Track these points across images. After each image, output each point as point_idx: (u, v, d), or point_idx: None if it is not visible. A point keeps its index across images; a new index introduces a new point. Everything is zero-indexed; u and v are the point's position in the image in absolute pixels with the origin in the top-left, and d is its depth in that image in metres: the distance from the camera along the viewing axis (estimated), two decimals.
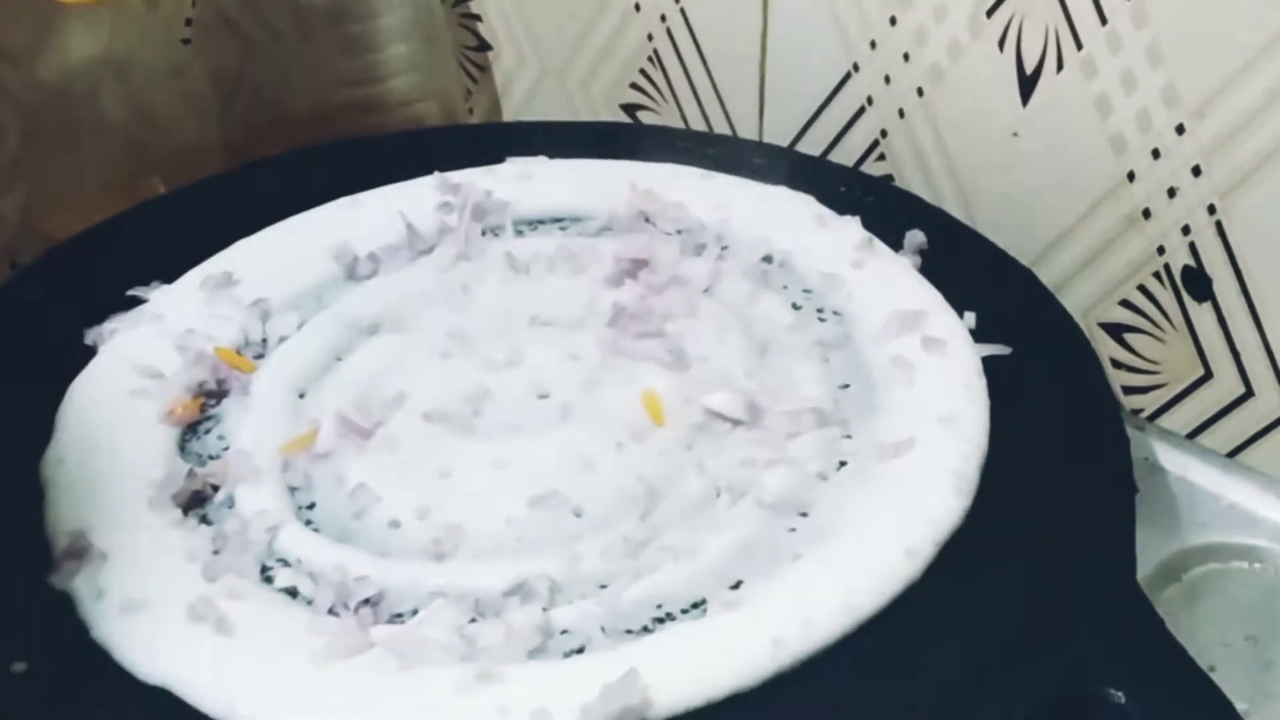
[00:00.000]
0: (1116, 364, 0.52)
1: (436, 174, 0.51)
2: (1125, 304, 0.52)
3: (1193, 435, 0.51)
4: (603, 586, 0.38)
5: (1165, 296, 0.50)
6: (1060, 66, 0.49)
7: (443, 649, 0.36)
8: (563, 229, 0.51)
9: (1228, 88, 0.45)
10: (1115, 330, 0.52)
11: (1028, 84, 0.51)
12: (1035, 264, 0.51)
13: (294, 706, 0.35)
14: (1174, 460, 0.47)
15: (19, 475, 0.41)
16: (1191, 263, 0.49)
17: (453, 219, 0.50)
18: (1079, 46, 0.49)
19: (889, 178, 0.56)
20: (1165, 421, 0.51)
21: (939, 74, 0.53)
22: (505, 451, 0.41)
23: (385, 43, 0.64)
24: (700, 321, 0.46)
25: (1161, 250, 0.50)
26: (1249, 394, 0.49)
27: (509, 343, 0.45)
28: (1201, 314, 0.50)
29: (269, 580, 0.38)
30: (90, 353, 0.44)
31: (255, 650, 0.36)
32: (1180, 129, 0.47)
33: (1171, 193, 0.48)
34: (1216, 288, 0.49)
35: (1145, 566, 0.39)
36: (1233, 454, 0.49)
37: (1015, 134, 0.52)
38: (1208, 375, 0.50)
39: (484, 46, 0.68)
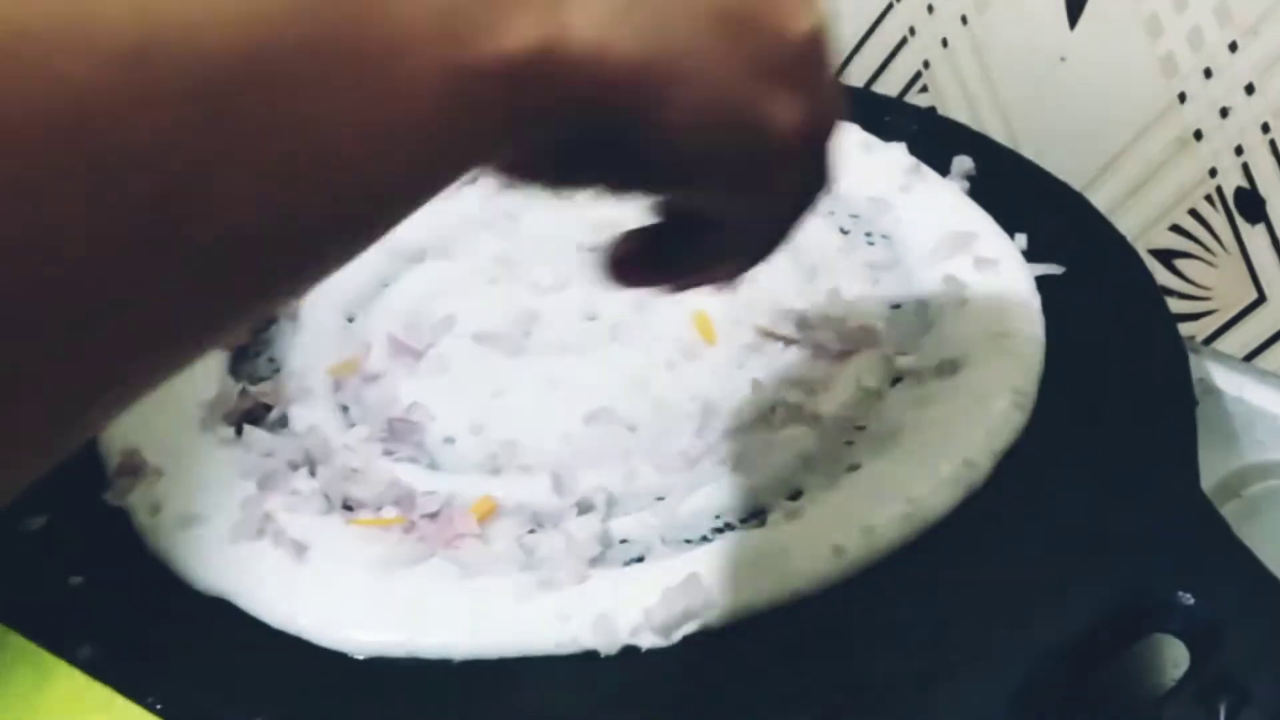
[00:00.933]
0: (1167, 291, 0.51)
1: None
2: (1176, 229, 0.51)
3: (1248, 359, 0.50)
4: (660, 499, 0.38)
5: (1217, 220, 0.50)
6: None
7: (503, 558, 0.35)
8: None
9: None
10: (1166, 256, 0.52)
11: (1075, 7, 0.50)
12: (1083, 191, 0.51)
13: (355, 615, 0.34)
14: (1230, 381, 0.47)
15: None
16: (1245, 184, 0.48)
17: None
18: None
19: (932, 109, 0.56)
20: (1219, 346, 0.51)
21: (984, 2, 0.53)
22: (557, 371, 0.41)
23: None
24: None
25: (1214, 172, 0.49)
26: None
27: (556, 267, 0.44)
28: (1254, 236, 0.49)
29: (325, 495, 0.38)
30: None
31: (314, 561, 0.36)
32: (1233, 46, 0.46)
33: (1224, 113, 0.48)
34: (1270, 209, 0.48)
35: (1205, 485, 0.38)
36: None
37: (1062, 59, 0.51)
38: (1261, 299, 0.50)
39: None
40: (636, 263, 0.29)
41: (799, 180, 0.28)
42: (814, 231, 0.46)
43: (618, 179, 0.25)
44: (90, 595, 0.35)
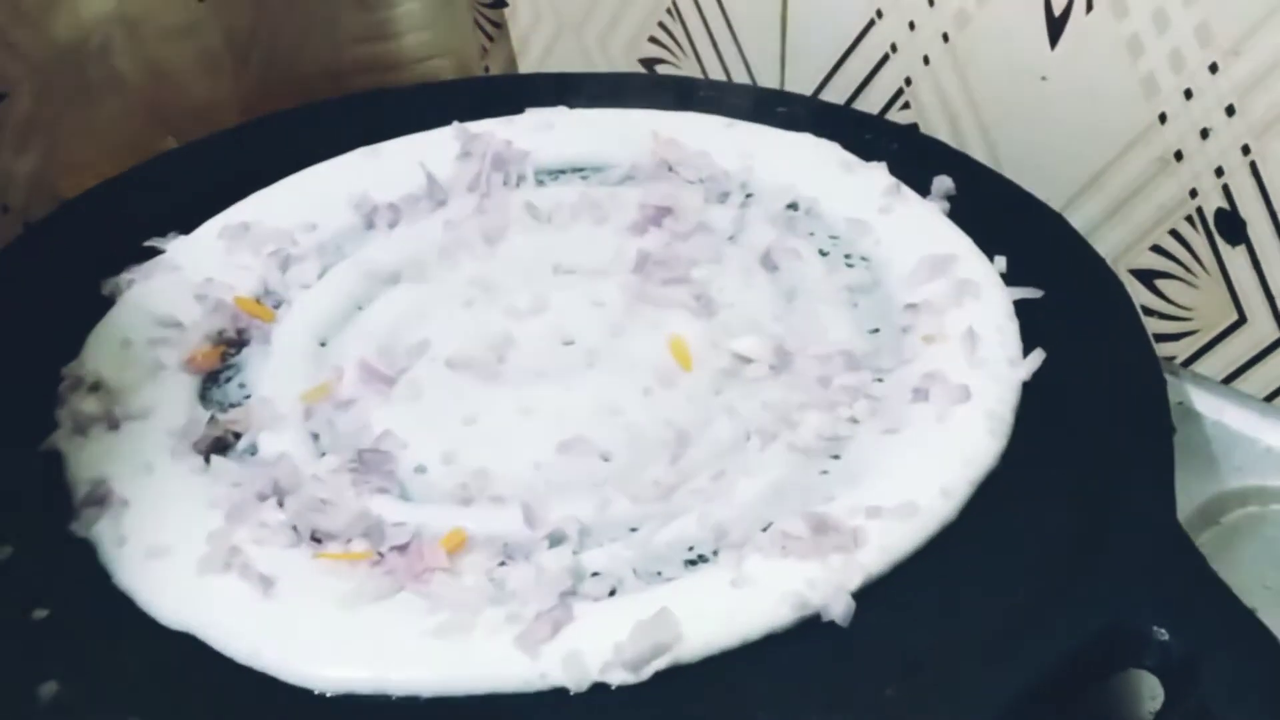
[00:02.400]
0: (1148, 311, 0.51)
1: (456, 124, 0.50)
2: (1156, 249, 0.51)
3: (1227, 381, 0.50)
4: (633, 530, 0.37)
5: (1198, 241, 0.49)
6: (1090, 7, 0.49)
7: (472, 592, 0.35)
8: (584, 178, 0.51)
9: (1263, 24, 0.44)
10: (1146, 276, 0.51)
11: (1056, 26, 0.50)
12: (1064, 211, 0.51)
13: (321, 651, 0.34)
14: (1209, 405, 0.47)
15: (39, 423, 0.40)
16: (1225, 205, 0.48)
17: (473, 169, 0.49)
18: None
19: (914, 126, 0.56)
20: (1198, 368, 0.50)
21: (965, 19, 0.52)
22: (531, 398, 0.41)
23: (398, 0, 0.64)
24: (726, 268, 0.46)
25: (1194, 193, 0.49)
26: None
27: (532, 290, 0.44)
28: (1235, 257, 0.49)
29: (293, 526, 0.37)
30: (108, 303, 0.44)
31: (281, 595, 0.35)
32: (1214, 68, 0.46)
33: (1205, 134, 0.47)
34: (1250, 230, 0.48)
35: (1183, 511, 0.38)
36: (1269, 399, 0.49)
37: (1043, 78, 0.51)
38: (1241, 320, 0.49)
39: (499, 3, 0.67)
40: None
41: None
42: (793, 253, 0.46)
43: None
44: (54, 629, 0.35)
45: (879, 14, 0.55)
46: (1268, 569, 0.43)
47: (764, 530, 0.37)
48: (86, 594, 0.36)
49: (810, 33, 0.57)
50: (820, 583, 0.35)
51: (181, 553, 0.36)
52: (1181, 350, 0.51)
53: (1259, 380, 0.49)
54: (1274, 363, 0.49)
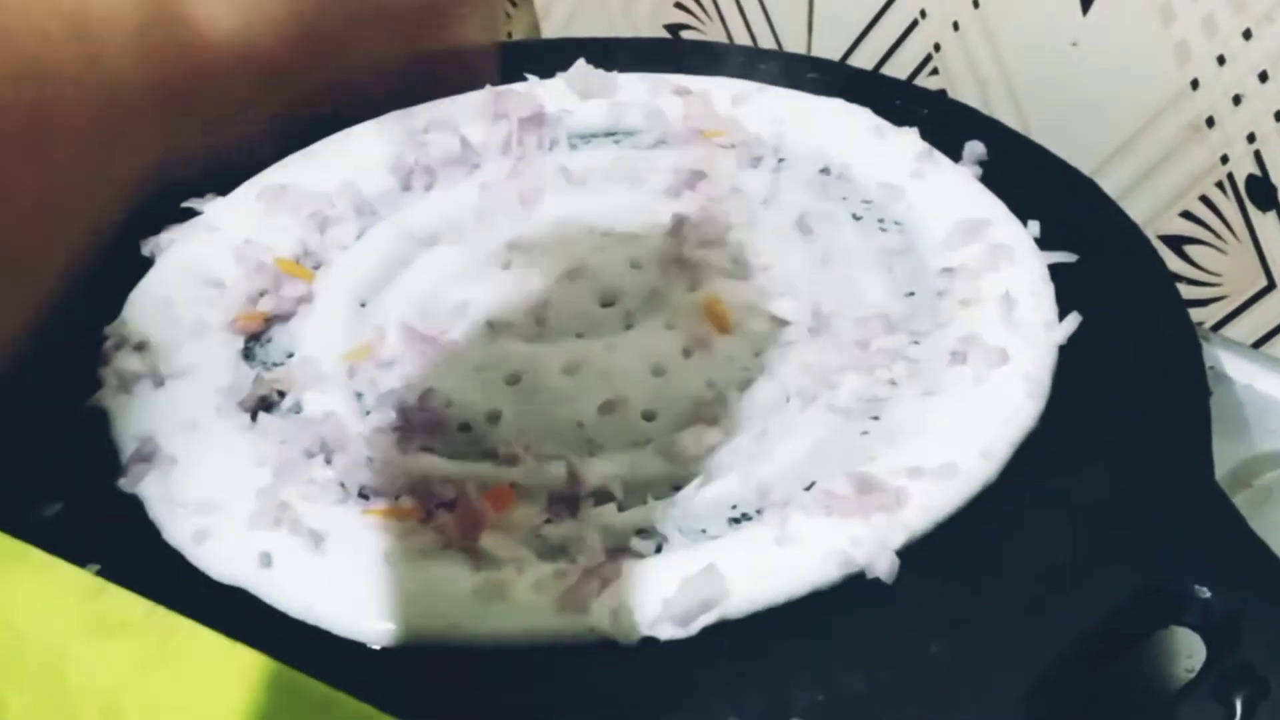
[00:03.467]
0: (1177, 277, 0.51)
1: (488, 88, 0.50)
2: (1186, 215, 0.51)
3: (1256, 345, 0.50)
4: (676, 488, 0.38)
5: (1228, 206, 0.50)
6: None
7: (520, 549, 0.35)
8: (616, 142, 0.51)
9: None
10: (1176, 242, 0.52)
11: None
12: (1093, 176, 0.51)
13: (375, 604, 0.34)
14: (1240, 369, 0.47)
15: (83, 383, 0.40)
16: (1256, 171, 0.48)
17: (505, 132, 0.49)
18: None
19: (942, 92, 0.56)
20: (1227, 333, 0.51)
21: None
22: (572, 357, 0.41)
23: None
24: (760, 232, 0.46)
25: (1225, 159, 0.49)
26: None
27: (570, 252, 0.44)
28: (1265, 223, 0.49)
29: (340, 484, 0.37)
30: (148, 263, 0.44)
31: (331, 550, 0.35)
32: (1247, 34, 0.46)
33: (1236, 100, 0.48)
34: None
35: (1216, 474, 0.38)
36: None
37: (1074, 44, 0.51)
38: (1271, 285, 0.50)
39: None
40: None
41: None
42: (827, 218, 0.46)
43: None
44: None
45: None
46: None
47: (806, 489, 0.37)
48: (136, 550, 0.36)
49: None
50: (864, 540, 0.35)
51: (231, 509, 0.36)
52: (1210, 316, 0.51)
53: None
54: None
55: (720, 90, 0.52)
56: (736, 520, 0.37)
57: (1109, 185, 0.51)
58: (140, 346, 0.40)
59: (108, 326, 0.41)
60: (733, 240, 0.45)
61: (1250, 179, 0.49)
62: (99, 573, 0.35)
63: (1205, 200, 0.50)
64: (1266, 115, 0.47)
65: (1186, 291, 0.51)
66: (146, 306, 0.42)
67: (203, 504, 0.36)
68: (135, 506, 0.37)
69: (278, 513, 0.36)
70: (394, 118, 0.49)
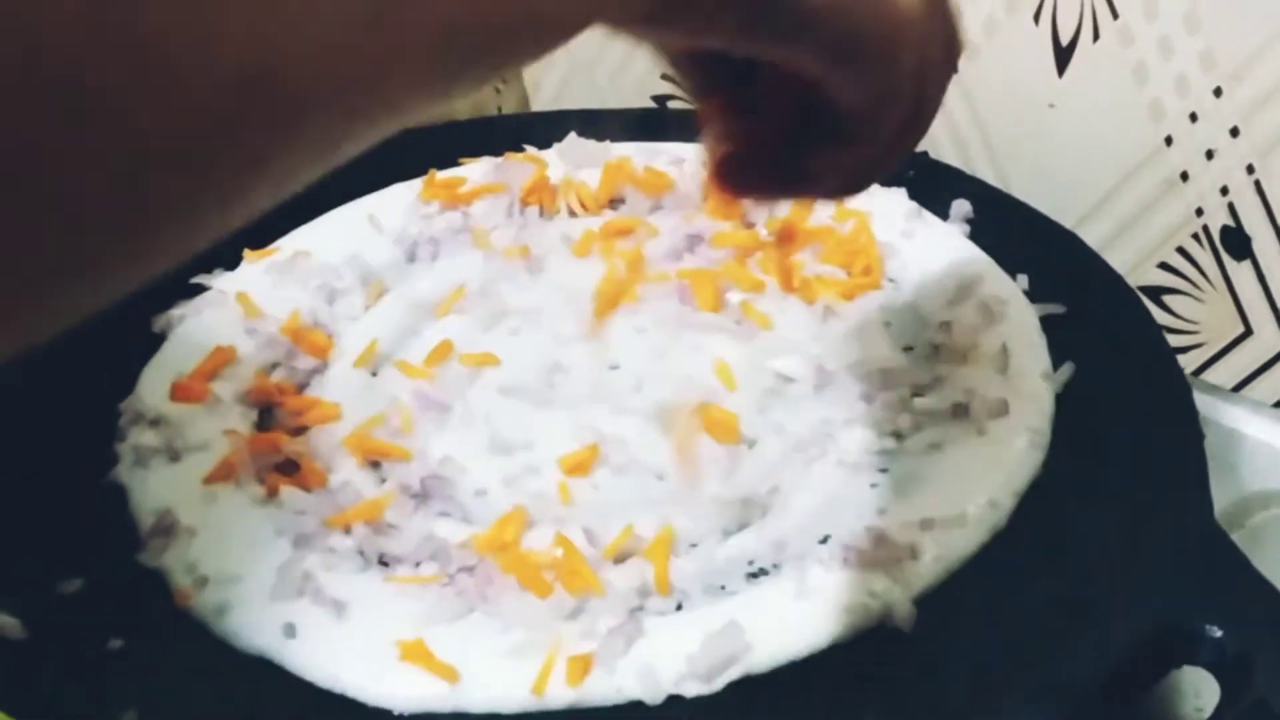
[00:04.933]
0: None
1: (487, 158, 0.51)
2: (1164, 266, 0.53)
3: (1236, 389, 0.51)
4: (693, 545, 0.38)
5: (1204, 257, 0.51)
6: (1096, 36, 0.51)
7: (544, 611, 0.36)
8: (614, 209, 0.52)
9: (1265, 49, 0.46)
10: (1154, 293, 0.53)
11: (1064, 55, 0.52)
12: (1074, 231, 0.52)
13: (398, 672, 0.35)
14: (1224, 413, 0.48)
15: (99, 459, 0.40)
16: (1230, 222, 0.50)
17: (506, 202, 0.50)
18: (1115, 16, 0.50)
19: (924, 154, 0.57)
20: (1207, 378, 0.52)
21: (974, 50, 0.54)
22: (584, 421, 0.41)
23: None
24: (762, 292, 0.47)
25: (1200, 212, 0.51)
26: None
27: (576, 317, 0.45)
28: (1241, 272, 0.51)
29: (359, 552, 0.38)
30: (158, 340, 0.44)
31: (355, 618, 0.36)
32: (1218, 92, 0.48)
33: (1210, 155, 0.49)
34: (1256, 245, 0.50)
35: None
36: (1277, 405, 0.50)
37: (1051, 105, 0.53)
38: (1248, 332, 0.51)
39: None
40: (743, 170, 0.28)
41: (923, 59, 0.26)
42: (824, 276, 0.48)
43: (733, 20, 0.23)
44: (131, 658, 0.35)
45: None
46: None
47: (821, 543, 0.38)
48: (159, 623, 0.36)
49: None
50: (882, 592, 0.36)
51: (253, 580, 0.37)
52: (1189, 362, 0.53)
53: (1266, 389, 0.51)
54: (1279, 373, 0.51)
55: None
56: (754, 575, 0.37)
57: (1089, 239, 0.52)
58: (155, 421, 0.41)
59: (122, 402, 0.42)
60: (733, 301, 0.46)
61: (1225, 230, 0.50)
62: (120, 648, 0.35)
63: (1182, 251, 0.52)
64: (1238, 168, 0.49)
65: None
66: (161, 381, 0.42)
67: (224, 577, 0.37)
68: (157, 580, 0.37)
69: (300, 583, 0.36)
70: (395, 190, 0.50)
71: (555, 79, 0.67)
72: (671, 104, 0.64)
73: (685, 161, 0.52)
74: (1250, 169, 0.49)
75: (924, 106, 0.28)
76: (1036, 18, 0.52)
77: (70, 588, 0.37)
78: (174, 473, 0.40)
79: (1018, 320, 0.45)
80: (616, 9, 0.22)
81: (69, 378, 0.43)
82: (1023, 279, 0.47)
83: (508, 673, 0.35)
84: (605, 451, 0.40)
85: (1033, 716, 0.33)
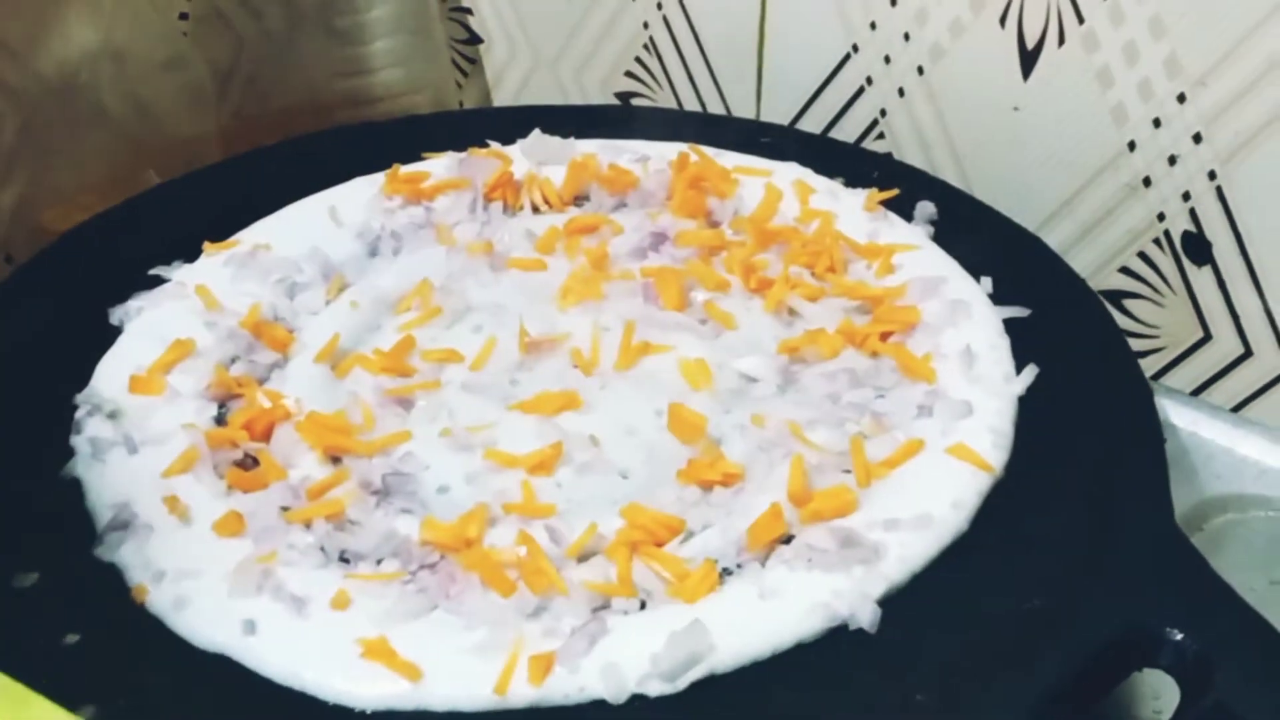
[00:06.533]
0: None
1: (451, 154, 0.51)
2: (1125, 270, 0.53)
3: (1194, 393, 0.52)
4: (657, 545, 0.38)
5: (1165, 262, 0.52)
6: (1062, 41, 0.51)
7: (506, 609, 0.36)
8: (578, 206, 0.52)
9: (1229, 56, 0.47)
10: (1115, 297, 0.54)
11: (1029, 59, 0.52)
12: (1037, 234, 0.53)
13: (361, 669, 0.34)
14: (1183, 416, 0.49)
15: (55, 452, 0.40)
16: (1191, 228, 0.51)
17: (470, 198, 0.49)
18: (1080, 20, 0.50)
19: (888, 155, 0.57)
20: (1166, 382, 0.53)
21: (939, 52, 0.54)
22: (547, 419, 0.41)
23: (374, 36, 0.64)
24: (725, 291, 0.47)
25: (1162, 217, 0.51)
26: (1248, 354, 0.51)
27: (540, 315, 0.45)
28: (1201, 277, 0.51)
29: (320, 548, 0.37)
30: (116, 332, 0.44)
31: (315, 615, 0.35)
32: (1182, 98, 0.49)
33: (1172, 160, 0.50)
34: (1216, 251, 0.50)
35: None
36: (1236, 409, 0.51)
37: (1016, 108, 0.53)
38: (1207, 337, 0.52)
39: (474, 39, 0.68)
40: None
41: None
42: (789, 276, 0.48)
43: None
44: (87, 654, 0.35)
45: (855, 48, 0.57)
46: (1251, 573, 0.44)
47: (785, 543, 0.38)
48: (116, 618, 0.36)
49: (787, 67, 0.59)
50: (846, 593, 0.36)
51: (211, 575, 0.36)
52: (1149, 366, 0.53)
53: (1224, 393, 0.52)
54: (1239, 376, 0.51)
55: (674, 155, 0.53)
56: (719, 575, 0.37)
57: (1051, 243, 0.53)
58: (113, 414, 0.40)
59: (79, 395, 0.41)
60: (698, 300, 0.46)
61: (1186, 235, 0.51)
62: (77, 643, 0.35)
63: (1143, 256, 0.52)
64: (1200, 174, 0.49)
65: None
66: (118, 373, 0.42)
67: (182, 571, 0.36)
68: (114, 574, 0.37)
69: (259, 578, 0.36)
70: (358, 184, 0.49)
71: (518, 74, 0.67)
72: (635, 100, 0.64)
73: (649, 159, 0.52)
74: (1212, 175, 0.49)
75: None
76: (1003, 20, 0.52)
77: (26, 582, 0.36)
78: (132, 466, 0.39)
79: (981, 322, 0.45)
80: None
81: (25, 370, 0.43)
82: (986, 282, 0.47)
83: (470, 671, 0.34)
84: (569, 449, 0.40)
85: (997, 718, 0.33)
